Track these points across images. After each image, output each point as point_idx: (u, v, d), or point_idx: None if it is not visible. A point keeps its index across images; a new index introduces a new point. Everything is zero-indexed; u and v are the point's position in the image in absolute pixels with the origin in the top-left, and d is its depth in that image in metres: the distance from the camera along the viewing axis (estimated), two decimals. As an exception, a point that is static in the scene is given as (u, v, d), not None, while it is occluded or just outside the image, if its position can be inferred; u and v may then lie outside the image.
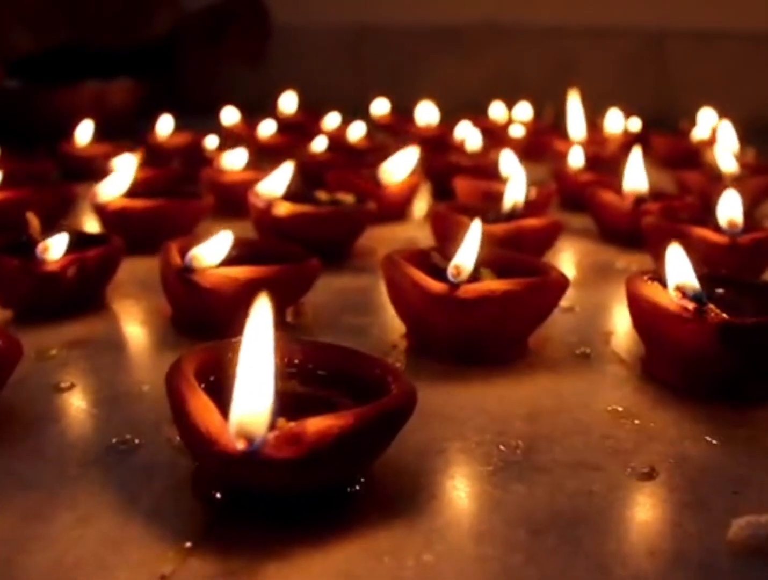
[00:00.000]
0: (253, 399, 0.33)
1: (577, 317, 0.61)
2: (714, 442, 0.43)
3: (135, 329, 0.58)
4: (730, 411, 0.46)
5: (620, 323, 0.58)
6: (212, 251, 0.55)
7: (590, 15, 1.67)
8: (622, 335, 0.57)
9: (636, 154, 0.81)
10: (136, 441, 0.42)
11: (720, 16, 1.62)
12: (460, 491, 0.38)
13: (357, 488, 0.37)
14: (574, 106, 1.23)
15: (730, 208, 0.66)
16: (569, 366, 0.52)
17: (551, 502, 0.37)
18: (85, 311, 0.59)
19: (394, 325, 0.56)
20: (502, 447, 0.42)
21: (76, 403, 0.46)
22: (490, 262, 0.56)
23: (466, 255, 0.51)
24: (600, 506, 0.37)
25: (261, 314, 0.36)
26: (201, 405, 0.34)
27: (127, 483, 0.38)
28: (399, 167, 0.86)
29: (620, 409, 0.46)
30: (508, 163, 0.84)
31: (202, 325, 0.54)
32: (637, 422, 0.45)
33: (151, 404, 0.45)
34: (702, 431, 0.44)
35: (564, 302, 0.60)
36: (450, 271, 0.50)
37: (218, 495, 0.36)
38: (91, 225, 0.82)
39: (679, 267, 0.49)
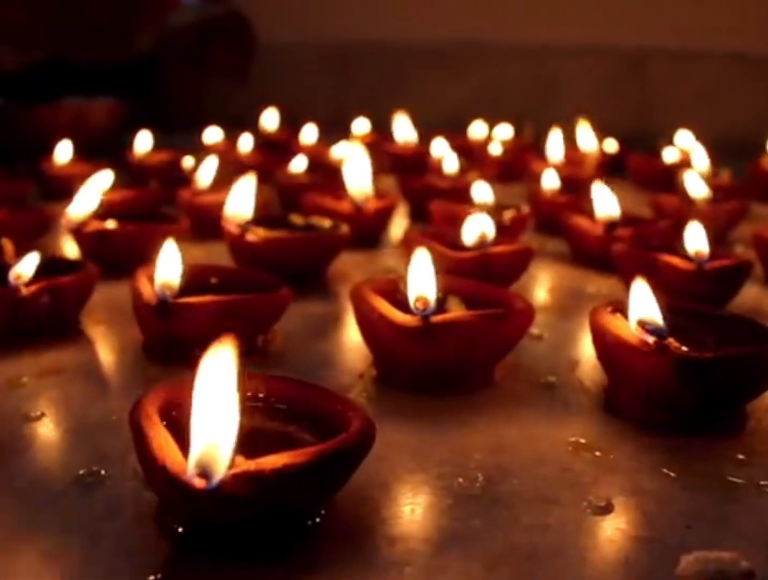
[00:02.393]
0: (213, 437, 0.34)
1: (545, 345, 0.61)
2: (671, 474, 0.44)
3: (107, 356, 0.58)
4: (688, 444, 0.47)
5: (587, 351, 0.59)
6: (174, 272, 0.55)
7: (572, 34, 1.69)
8: (588, 364, 0.57)
9: (601, 181, 0.82)
10: (103, 472, 0.42)
11: (700, 36, 1.64)
12: (419, 524, 0.39)
13: (318, 520, 0.38)
14: (557, 132, 1.24)
15: (695, 240, 0.66)
16: (534, 396, 0.53)
17: (507, 536, 0.38)
18: (59, 338, 0.59)
19: (363, 353, 0.57)
20: (461, 480, 0.42)
21: (45, 433, 0.47)
22: (458, 290, 0.57)
23: (424, 287, 0.52)
24: (555, 541, 0.38)
25: (223, 352, 0.36)
26: (162, 443, 0.35)
27: (93, 516, 0.38)
28: (363, 179, 0.86)
29: (581, 441, 0.47)
30: (480, 192, 0.85)
31: (173, 353, 0.55)
32: (597, 453, 0.46)
33: (119, 434, 0.46)
34: (660, 464, 0.45)
35: (533, 329, 0.61)
36: (413, 304, 0.51)
37: (181, 529, 0.36)
38: (69, 246, 0.83)
39: (643, 301, 0.50)
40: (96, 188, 0.76)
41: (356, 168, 0.85)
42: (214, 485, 0.32)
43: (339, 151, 1.21)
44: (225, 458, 0.33)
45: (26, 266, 0.58)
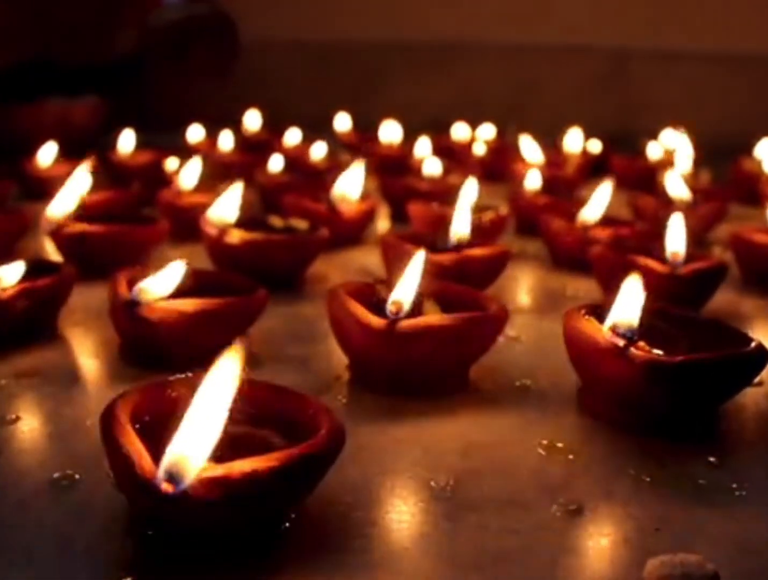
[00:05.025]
0: (188, 443, 0.34)
1: (521, 347, 0.62)
2: (642, 477, 0.44)
3: (84, 360, 0.58)
4: (659, 446, 0.47)
5: (563, 354, 0.59)
6: (161, 284, 0.55)
7: (554, 34, 1.69)
8: (563, 366, 0.57)
9: (606, 185, 0.82)
10: (77, 476, 0.42)
11: (683, 36, 1.64)
12: (389, 527, 0.39)
13: (288, 524, 0.38)
14: (528, 137, 1.24)
15: (675, 239, 0.67)
16: (508, 398, 0.53)
17: (477, 540, 0.38)
18: (35, 340, 0.59)
19: (338, 355, 0.57)
20: (432, 483, 0.43)
21: (21, 436, 0.47)
22: (434, 293, 0.57)
23: (404, 290, 0.52)
24: (524, 544, 0.38)
25: (228, 365, 0.36)
26: (131, 448, 0.35)
27: (64, 520, 0.39)
28: (351, 187, 0.86)
29: (554, 444, 0.47)
30: (467, 192, 0.85)
31: (149, 356, 0.55)
32: (570, 457, 0.46)
33: (94, 438, 0.45)
34: (631, 467, 0.45)
35: (510, 331, 0.62)
36: (389, 307, 0.51)
37: (151, 533, 0.37)
38: (50, 247, 0.83)
39: (625, 305, 0.50)
40: (74, 189, 0.76)
41: (349, 172, 0.86)
42: (181, 489, 0.33)
43: (317, 151, 1.21)
44: (195, 463, 0.33)
45: (9, 273, 0.58)
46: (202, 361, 0.53)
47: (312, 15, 1.79)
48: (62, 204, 0.74)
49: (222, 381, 0.36)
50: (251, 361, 0.56)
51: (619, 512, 0.41)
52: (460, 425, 0.49)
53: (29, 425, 0.48)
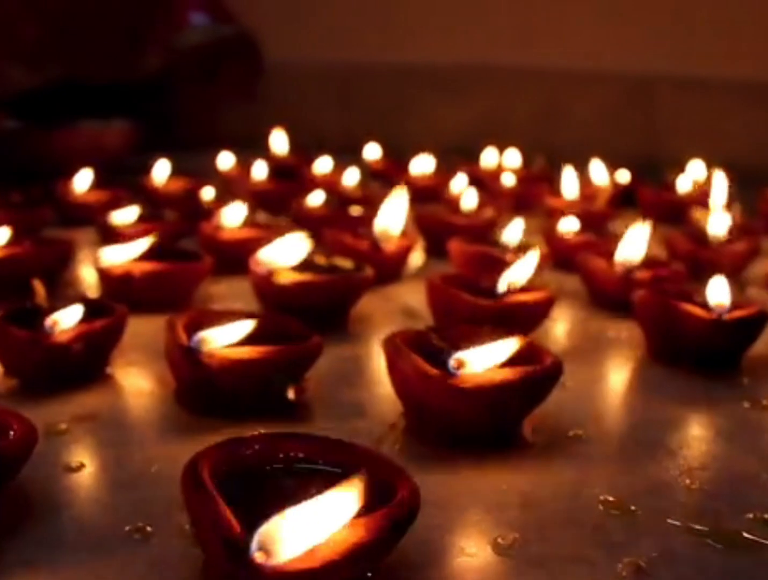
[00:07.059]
0: (292, 528, 0.35)
1: (569, 394, 0.61)
2: (702, 535, 0.44)
3: (140, 401, 0.59)
4: (716, 499, 0.48)
5: (610, 400, 0.60)
6: (225, 336, 0.56)
7: (578, 59, 1.70)
8: (612, 414, 0.58)
9: (641, 228, 0.83)
10: (149, 529, 0.43)
11: (709, 63, 1.65)
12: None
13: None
14: (570, 170, 1.24)
15: (717, 293, 0.67)
16: (562, 450, 0.53)
17: (547, 600, 0.39)
18: (90, 381, 0.60)
19: (392, 401, 0.57)
20: (500, 540, 0.43)
21: (88, 485, 0.47)
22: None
23: (472, 355, 0.53)
24: (593, 605, 0.39)
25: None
26: (221, 515, 0.35)
27: (142, 575, 0.39)
28: (393, 221, 0.87)
29: (611, 498, 0.48)
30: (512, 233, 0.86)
31: (206, 400, 0.56)
32: (631, 509, 0.46)
33: (160, 486, 0.46)
34: (691, 522, 0.45)
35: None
36: (452, 363, 0.52)
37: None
38: (89, 277, 0.84)
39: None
40: (140, 242, 0.77)
41: (390, 208, 0.86)
42: (275, 562, 0.33)
43: (350, 179, 1.22)
44: (290, 540, 0.34)
45: (68, 316, 0.59)
46: (258, 407, 0.55)
47: (335, 38, 1.80)
48: (123, 251, 0.75)
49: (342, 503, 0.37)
50: (305, 410, 0.58)
51: (682, 572, 0.41)
52: (517, 479, 0.49)
53: (94, 472, 0.49)
